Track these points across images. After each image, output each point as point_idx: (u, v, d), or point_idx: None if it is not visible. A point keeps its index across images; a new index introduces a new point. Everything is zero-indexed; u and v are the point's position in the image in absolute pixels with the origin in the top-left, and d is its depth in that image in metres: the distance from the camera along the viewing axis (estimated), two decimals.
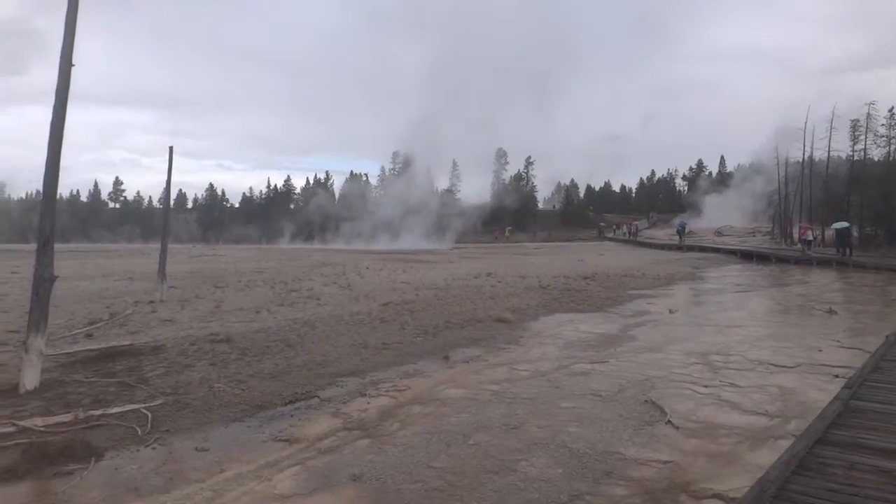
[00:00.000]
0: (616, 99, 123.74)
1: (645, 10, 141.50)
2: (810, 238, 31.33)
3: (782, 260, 29.27)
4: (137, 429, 5.36)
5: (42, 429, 5.22)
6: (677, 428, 5.58)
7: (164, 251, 14.73)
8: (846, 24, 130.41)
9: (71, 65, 6.87)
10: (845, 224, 28.88)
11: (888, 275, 21.98)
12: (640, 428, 5.61)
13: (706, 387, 7.05)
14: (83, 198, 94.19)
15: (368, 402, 6.39)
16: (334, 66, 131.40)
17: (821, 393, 6.72)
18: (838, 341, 9.75)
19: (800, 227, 34.70)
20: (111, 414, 5.70)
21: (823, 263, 26.22)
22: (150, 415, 5.69)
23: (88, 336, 9.64)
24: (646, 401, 6.44)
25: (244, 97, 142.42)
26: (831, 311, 12.78)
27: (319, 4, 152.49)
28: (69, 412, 5.65)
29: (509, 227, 67.26)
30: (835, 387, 6.96)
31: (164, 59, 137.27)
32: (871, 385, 5.63)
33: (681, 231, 43.17)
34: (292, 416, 5.97)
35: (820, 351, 8.99)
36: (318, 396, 6.59)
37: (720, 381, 7.29)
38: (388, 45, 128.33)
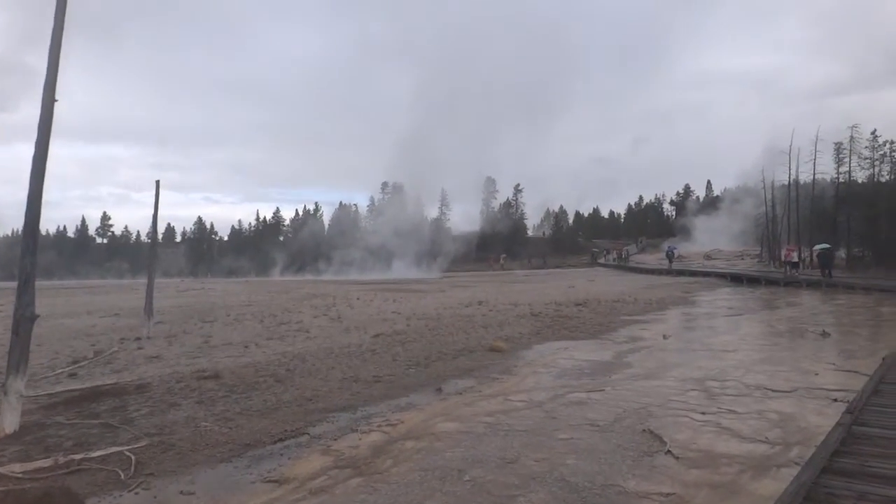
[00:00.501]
0: (603, 126, 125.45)
1: (633, 39, 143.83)
2: (795, 260, 31.67)
3: (772, 282, 29.38)
4: (120, 473, 5.16)
5: (20, 475, 5.02)
6: (677, 458, 5.44)
7: (150, 286, 14.51)
8: (827, 50, 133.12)
9: (54, 99, 6.79)
10: (827, 246, 29.60)
11: (877, 296, 22.04)
12: (639, 459, 5.46)
13: (704, 414, 6.93)
14: (70, 233, 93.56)
15: (360, 438, 6.22)
16: (321, 98, 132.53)
17: (820, 417, 6.62)
18: (834, 364, 9.68)
19: (785, 249, 35.15)
20: (93, 458, 5.49)
21: (812, 285, 26.41)
22: (133, 457, 5.49)
23: (72, 375, 9.40)
24: (644, 430, 6.30)
25: (231, 130, 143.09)
26: (824, 334, 12.74)
27: (305, 37, 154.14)
28: (49, 457, 5.45)
29: (504, 255, 67.28)
30: (834, 411, 6.88)
31: (151, 94, 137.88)
32: (873, 409, 5.53)
33: (670, 255, 43.45)
34: (281, 454, 5.78)
35: (816, 374, 8.90)
36: (309, 433, 6.40)
37: (718, 408, 7.17)
38: (374, 76, 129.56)
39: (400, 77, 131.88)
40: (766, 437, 6.00)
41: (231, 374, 9.20)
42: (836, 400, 7.36)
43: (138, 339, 13.24)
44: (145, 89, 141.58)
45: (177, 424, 6.64)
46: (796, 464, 5.25)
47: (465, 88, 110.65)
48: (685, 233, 69.76)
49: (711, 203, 78.02)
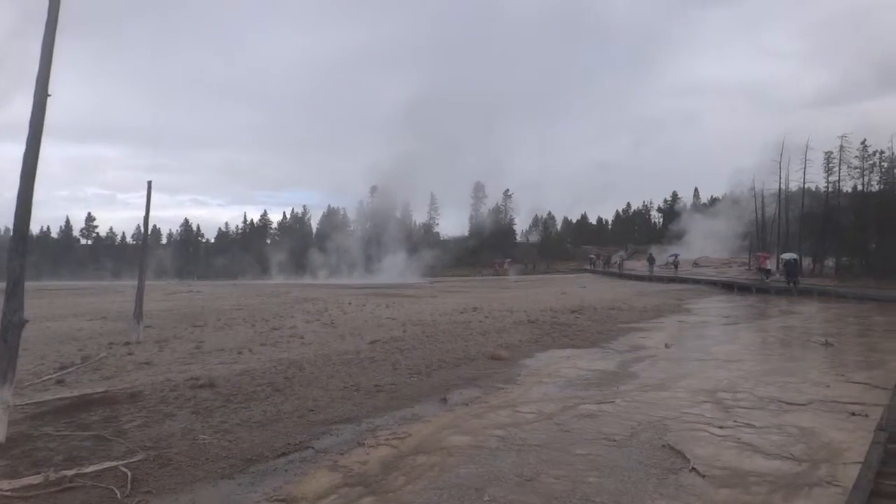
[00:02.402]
0: (592, 133, 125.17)
1: (625, 47, 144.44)
2: (769, 267, 32.05)
3: (762, 290, 29.38)
4: (116, 490, 4.83)
5: (8, 493, 4.68)
6: (703, 476, 5.20)
7: (140, 289, 14.10)
8: (817, 61, 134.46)
9: (47, 94, 6.46)
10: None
11: (871, 305, 22.05)
12: (663, 477, 5.22)
13: (721, 428, 6.71)
14: (54, 234, 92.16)
15: (368, 453, 5.92)
16: (312, 102, 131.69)
17: (842, 433, 6.42)
18: (843, 375, 9.51)
19: (759, 257, 35.52)
20: (86, 473, 5.16)
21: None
22: (129, 473, 5.17)
23: (59, 382, 9.02)
24: (663, 445, 6.06)
25: (221, 132, 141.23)
26: (827, 344, 12.60)
27: (297, 40, 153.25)
28: (39, 472, 5.11)
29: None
30: (853, 426, 6.71)
31: (141, 95, 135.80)
32: None
33: (676, 262, 43.61)
34: (286, 470, 5.48)
35: (828, 387, 8.72)
36: (313, 447, 6.10)
37: (734, 422, 6.95)
38: (366, 80, 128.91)
39: (391, 82, 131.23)
40: (791, 454, 5.78)
41: (226, 383, 8.87)
42: (853, 414, 7.18)
43: (127, 343, 12.85)
44: (135, 90, 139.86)
45: (173, 437, 6.31)
46: (828, 483, 5.05)
47: (455, 94, 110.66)
48: (673, 240, 69.86)
49: (700, 210, 78.25)
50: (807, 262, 36.43)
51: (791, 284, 28.19)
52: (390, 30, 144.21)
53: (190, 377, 9.22)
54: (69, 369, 9.97)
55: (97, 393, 8.14)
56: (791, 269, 28.84)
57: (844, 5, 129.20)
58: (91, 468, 5.27)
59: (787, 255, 30.57)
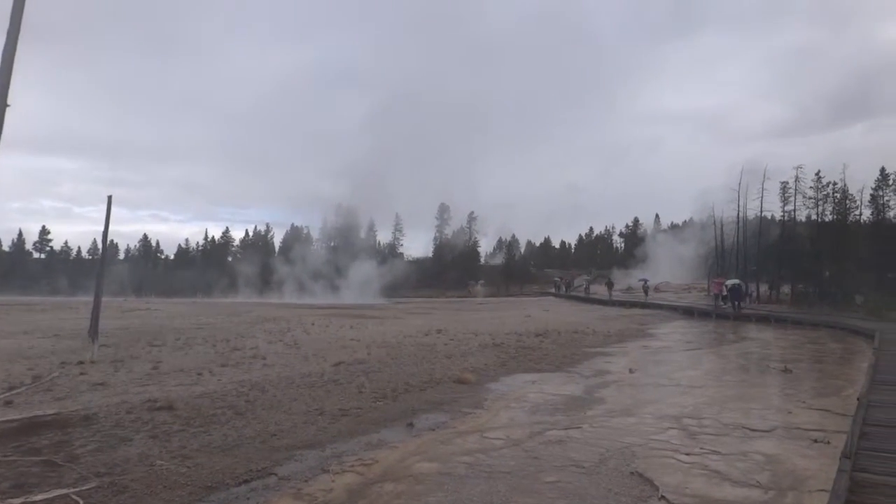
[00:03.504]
0: (557, 159, 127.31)
1: (588, 78, 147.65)
2: (726, 293, 32.89)
3: (722, 316, 29.95)
4: None
5: None
6: None
7: (97, 306, 13.65)
8: (772, 95, 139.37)
9: (6, 105, 6.24)
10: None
11: (826, 331, 22.59)
12: None
13: (689, 454, 6.72)
14: (6, 247, 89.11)
15: (333, 480, 5.77)
16: (277, 119, 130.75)
17: (806, 460, 6.50)
18: (804, 402, 9.66)
19: (713, 283, 36.37)
20: (35, 502, 4.90)
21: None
22: (81, 502, 4.93)
23: (8, 404, 8.61)
24: (632, 472, 6.04)
25: (183, 147, 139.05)
26: (787, 370, 12.83)
27: (262, 57, 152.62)
28: None
29: (481, 281, 67.68)
30: (817, 453, 6.80)
31: (100, 107, 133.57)
32: (867, 454, 5.41)
33: (646, 287, 44.17)
34: (248, 498, 5.30)
35: (790, 413, 8.85)
36: (276, 474, 5.92)
37: (701, 448, 6.98)
38: (331, 98, 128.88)
39: (356, 101, 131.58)
40: (758, 481, 5.82)
41: (186, 405, 8.59)
42: (816, 441, 7.28)
43: (81, 363, 12.38)
44: (95, 102, 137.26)
45: (129, 462, 6.06)
46: None
47: (419, 116, 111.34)
48: (639, 264, 70.92)
49: (661, 236, 79.71)
50: (764, 289, 37.42)
51: (735, 308, 29.65)
52: (357, 49, 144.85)
53: (147, 399, 8.91)
54: (18, 390, 9.54)
55: (48, 415, 7.79)
56: (735, 294, 30.32)
57: (794, 44, 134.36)
58: (40, 496, 5.01)
59: (731, 281, 31.85)
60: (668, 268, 64.88)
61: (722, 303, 31.78)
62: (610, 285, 48.02)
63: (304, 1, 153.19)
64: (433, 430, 7.83)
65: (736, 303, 30.08)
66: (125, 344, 16.07)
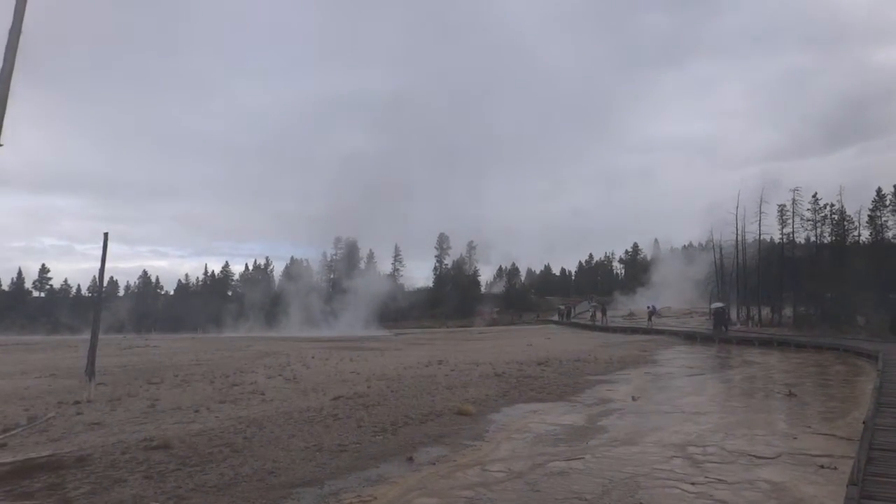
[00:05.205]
0: (555, 186, 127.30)
1: (583, 106, 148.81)
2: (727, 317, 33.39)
3: (724, 341, 29.77)
4: None
5: None
6: None
7: (94, 344, 13.55)
8: (765, 120, 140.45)
9: None
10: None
11: (829, 353, 22.43)
12: None
13: (694, 484, 6.61)
14: (5, 286, 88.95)
15: None
16: (275, 153, 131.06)
17: (813, 487, 6.39)
18: (809, 427, 9.55)
19: (711, 308, 36.46)
20: None
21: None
22: None
23: (2, 446, 8.48)
24: None
25: (182, 183, 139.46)
26: (791, 394, 12.70)
27: (260, 91, 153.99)
28: None
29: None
30: (824, 479, 6.69)
31: (99, 144, 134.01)
32: (873, 480, 5.31)
33: (652, 313, 44.03)
34: None
35: (795, 438, 8.74)
36: None
37: (706, 477, 6.86)
38: (330, 131, 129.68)
39: (354, 133, 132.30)
40: None
41: (182, 444, 8.46)
42: (822, 467, 7.17)
43: (77, 402, 12.25)
44: (95, 140, 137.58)
45: None
46: None
47: (419, 147, 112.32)
48: (635, 291, 70.75)
49: (661, 261, 79.66)
50: (765, 312, 37.31)
51: (720, 331, 30.54)
52: (354, 81, 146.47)
53: (143, 438, 8.79)
54: (13, 431, 9.41)
55: (42, 457, 7.68)
56: (719, 317, 31.31)
57: (785, 70, 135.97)
58: None
59: (715, 305, 32.78)
60: (670, 292, 64.72)
61: (724, 328, 31.69)
62: (603, 311, 48.30)
63: (300, 36, 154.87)
64: (433, 463, 7.70)
65: (721, 326, 30.76)
66: (123, 382, 15.91)
